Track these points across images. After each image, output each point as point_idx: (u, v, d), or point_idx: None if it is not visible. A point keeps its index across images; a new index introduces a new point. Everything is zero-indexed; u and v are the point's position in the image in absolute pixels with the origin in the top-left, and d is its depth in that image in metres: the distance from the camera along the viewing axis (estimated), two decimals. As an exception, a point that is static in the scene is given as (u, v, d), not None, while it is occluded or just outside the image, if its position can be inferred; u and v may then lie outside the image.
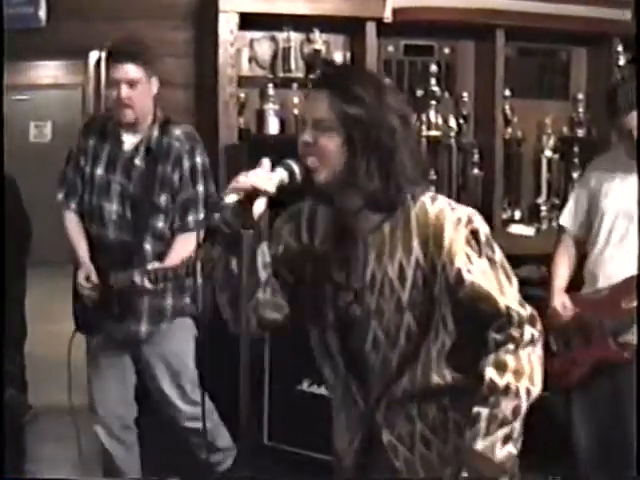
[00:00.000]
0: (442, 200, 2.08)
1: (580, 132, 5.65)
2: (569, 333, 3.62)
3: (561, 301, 3.65)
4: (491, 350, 2.04)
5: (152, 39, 5.32)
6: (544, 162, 5.58)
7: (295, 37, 5.29)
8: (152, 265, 3.52)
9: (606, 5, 5.37)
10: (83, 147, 3.73)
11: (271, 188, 1.99)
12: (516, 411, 2.00)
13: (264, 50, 5.29)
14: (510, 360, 2.02)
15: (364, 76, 2.13)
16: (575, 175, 5.50)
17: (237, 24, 4.96)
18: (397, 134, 2.02)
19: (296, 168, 2.03)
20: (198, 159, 3.67)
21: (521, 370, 2.01)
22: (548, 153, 5.57)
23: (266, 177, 1.99)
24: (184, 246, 3.60)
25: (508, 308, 2.03)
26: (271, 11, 5.02)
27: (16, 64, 4.53)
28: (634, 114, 3.35)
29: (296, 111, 5.32)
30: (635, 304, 3.42)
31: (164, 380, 3.82)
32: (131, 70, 3.56)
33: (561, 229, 3.83)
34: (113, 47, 3.65)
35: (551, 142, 5.57)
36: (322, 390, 4.27)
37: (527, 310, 2.07)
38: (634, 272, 3.44)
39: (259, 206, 1.99)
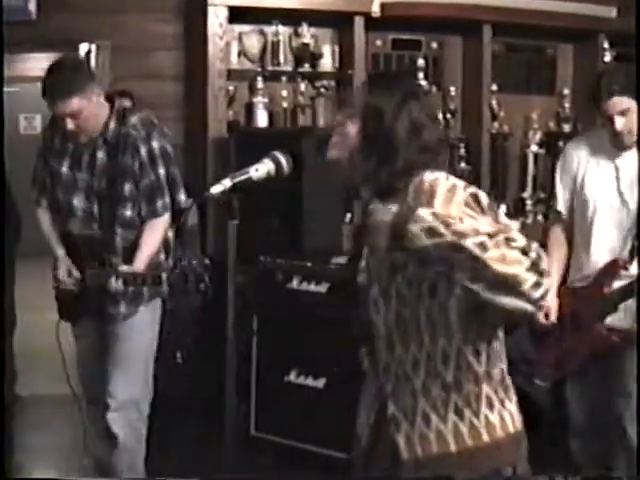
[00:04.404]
0: (440, 173, 2.13)
1: (566, 127, 5.70)
2: (558, 326, 3.64)
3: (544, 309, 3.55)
4: None
5: (141, 32, 5.36)
6: (530, 157, 5.62)
7: (284, 31, 5.33)
8: (124, 269, 3.52)
9: (592, 2, 5.43)
10: (49, 145, 3.73)
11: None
12: None
13: (253, 43, 5.32)
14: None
15: (397, 78, 2.33)
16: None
17: (226, 17, 4.99)
18: (399, 139, 2.11)
19: (283, 159, 2.12)
20: (154, 143, 3.60)
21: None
22: (534, 148, 5.62)
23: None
24: (154, 233, 3.62)
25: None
26: (260, 5, 5.06)
27: (5, 56, 4.53)
28: (614, 100, 3.41)
29: (285, 104, 5.35)
30: (616, 287, 3.48)
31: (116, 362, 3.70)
32: (69, 105, 3.42)
33: (552, 219, 3.83)
34: (46, 83, 3.46)
35: (537, 137, 5.62)
36: (309, 381, 4.30)
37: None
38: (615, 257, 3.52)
39: None
